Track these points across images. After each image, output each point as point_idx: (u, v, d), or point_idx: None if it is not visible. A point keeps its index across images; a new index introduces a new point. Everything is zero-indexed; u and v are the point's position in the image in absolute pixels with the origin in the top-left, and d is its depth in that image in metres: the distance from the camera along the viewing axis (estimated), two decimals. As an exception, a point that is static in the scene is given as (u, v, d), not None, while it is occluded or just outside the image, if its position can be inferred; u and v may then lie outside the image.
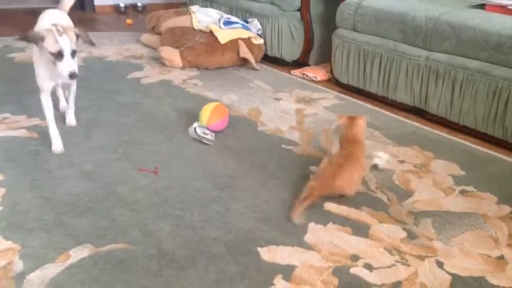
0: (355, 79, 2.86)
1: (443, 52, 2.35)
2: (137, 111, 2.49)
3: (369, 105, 2.70)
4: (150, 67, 3.26)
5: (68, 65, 1.79)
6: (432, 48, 2.39)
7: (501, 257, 1.43)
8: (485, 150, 2.16)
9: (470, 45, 2.21)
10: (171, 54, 3.23)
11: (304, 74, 3.20)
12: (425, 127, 2.40)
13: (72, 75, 1.81)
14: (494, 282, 1.32)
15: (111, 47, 3.72)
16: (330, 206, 1.67)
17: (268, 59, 3.47)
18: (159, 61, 3.32)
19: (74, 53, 1.83)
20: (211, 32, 3.29)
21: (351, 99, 2.80)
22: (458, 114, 2.32)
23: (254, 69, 3.27)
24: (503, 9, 2.32)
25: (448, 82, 2.33)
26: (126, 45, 3.80)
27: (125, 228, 1.52)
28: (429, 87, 2.43)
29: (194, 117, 2.29)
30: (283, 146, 2.15)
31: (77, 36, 1.87)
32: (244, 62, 3.32)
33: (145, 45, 3.80)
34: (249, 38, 3.32)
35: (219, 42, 3.23)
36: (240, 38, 3.28)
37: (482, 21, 2.19)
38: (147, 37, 3.81)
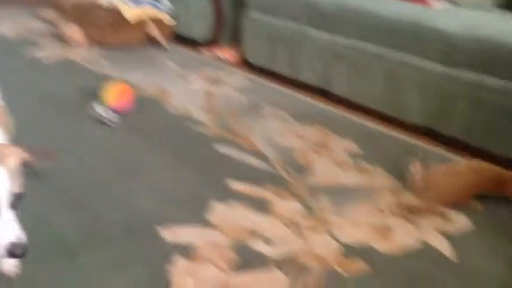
0: (265, 60, 2.91)
1: (344, 35, 2.45)
2: (35, 92, 2.35)
3: (277, 86, 2.77)
4: (51, 45, 3.08)
5: (8, 229, 0.93)
6: (335, 31, 2.50)
7: (386, 226, 1.55)
8: (381, 127, 2.30)
9: (368, 28, 2.33)
10: (74, 31, 3.07)
11: (215, 54, 3.20)
12: (328, 107, 2.52)
13: (15, 249, 0.93)
14: (379, 248, 1.43)
15: (9, 23, 3.46)
16: (233, 184, 1.71)
17: (179, 39, 3.42)
18: (62, 39, 3.14)
19: (17, 201, 0.97)
20: (118, 9, 3.17)
21: (261, 80, 2.85)
22: (358, 94, 2.45)
23: (163, 48, 3.21)
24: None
25: (348, 64, 2.45)
26: (25, 21, 3.56)
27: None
28: (332, 69, 2.54)
29: (97, 98, 2.21)
30: (190, 127, 2.15)
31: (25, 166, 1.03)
32: (153, 41, 3.24)
33: (47, 22, 3.58)
34: (158, 17, 3.25)
35: (126, 20, 3.12)
36: (149, 17, 3.20)
37: (381, 7, 2.32)
38: (48, 13, 3.58)
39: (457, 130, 2.08)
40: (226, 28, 3.38)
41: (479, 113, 1.99)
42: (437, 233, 1.52)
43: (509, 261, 1.41)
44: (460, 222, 1.60)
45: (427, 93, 2.15)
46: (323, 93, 2.65)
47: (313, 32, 2.59)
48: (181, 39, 3.42)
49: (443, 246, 1.45)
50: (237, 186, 1.71)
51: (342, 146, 2.09)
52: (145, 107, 2.30)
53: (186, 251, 1.34)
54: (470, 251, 1.45)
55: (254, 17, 2.90)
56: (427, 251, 1.44)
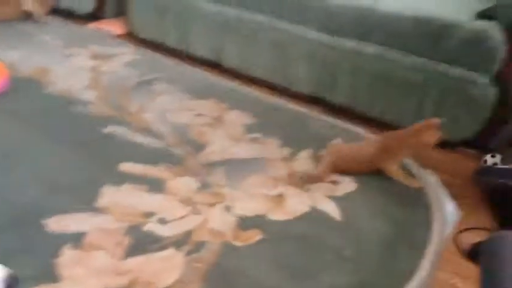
0: (154, 33, 2.82)
1: (232, 6, 2.44)
2: None
3: (168, 60, 2.69)
4: None
5: None
6: (222, 1, 2.47)
7: (280, 195, 1.60)
8: (273, 98, 2.35)
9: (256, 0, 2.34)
10: None
11: (99, 28, 3.02)
12: (222, 80, 2.51)
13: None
14: (273, 217, 1.48)
15: None
16: (125, 166, 1.65)
17: (60, 12, 3.18)
18: None
19: None
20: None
21: (151, 53, 2.75)
22: (250, 65, 2.47)
23: (42, 23, 2.96)
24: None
25: (239, 35, 2.45)
26: None
27: None
28: (223, 41, 2.52)
29: (-35, 80, 2.00)
30: (76, 107, 2.03)
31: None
32: (30, 16, 2.98)
33: None
34: (33, -12, 2.97)
35: (-4, -8, 2.83)
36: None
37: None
38: None
39: (343, 98, 2.19)
40: (111, 0, 3.20)
41: (360, 80, 2.11)
42: (325, 197, 1.60)
43: (394, 221, 1.53)
44: (348, 185, 1.70)
45: (313, 62, 2.23)
46: (216, 66, 2.63)
47: (201, 3, 2.54)
48: (63, 12, 3.18)
49: (331, 209, 1.54)
50: (130, 167, 1.65)
51: (237, 119, 2.11)
52: (23, 88, 2.12)
53: (76, 241, 1.29)
54: (355, 212, 1.56)
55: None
56: (315, 214, 1.52)
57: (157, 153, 1.76)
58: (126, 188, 1.55)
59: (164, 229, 1.38)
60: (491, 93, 1.81)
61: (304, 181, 1.69)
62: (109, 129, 1.87)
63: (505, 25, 1.72)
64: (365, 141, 1.78)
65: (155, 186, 1.57)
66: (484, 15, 1.82)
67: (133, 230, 1.36)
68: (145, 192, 1.54)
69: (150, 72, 2.46)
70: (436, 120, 1.52)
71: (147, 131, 1.91)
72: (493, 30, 1.74)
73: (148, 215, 1.43)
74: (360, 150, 1.69)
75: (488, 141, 1.92)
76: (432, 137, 1.52)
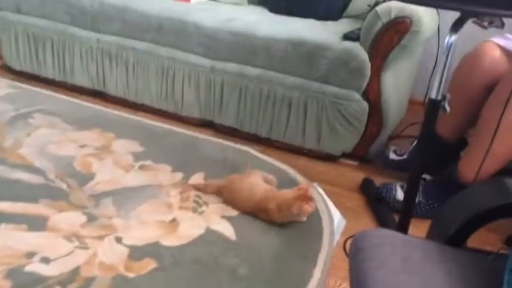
0: (29, 65, 2.66)
1: (112, 34, 2.40)
2: None
3: (46, 92, 2.55)
4: None
5: None
6: (102, 30, 2.41)
7: (173, 220, 1.58)
8: (162, 124, 2.33)
9: (135, 27, 2.32)
10: None
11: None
12: (106, 109, 2.43)
13: None
14: (167, 243, 1.46)
15: None
16: (2, 206, 1.53)
17: None
18: None
19: None
20: None
21: (27, 86, 2.59)
22: (135, 93, 2.43)
23: None
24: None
25: (121, 63, 2.40)
26: None
27: None
28: (105, 69, 2.46)
29: None
30: None
31: None
32: None
33: None
34: None
35: None
36: None
37: (142, 3, 2.32)
38: None
39: (231, 120, 2.24)
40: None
41: (245, 102, 2.18)
42: (219, 218, 1.61)
43: (285, 234, 1.57)
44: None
45: (199, 86, 2.26)
46: (98, 95, 2.55)
47: (79, 32, 2.46)
48: None
49: (225, 228, 1.55)
50: (7, 207, 1.53)
51: (124, 147, 2.05)
52: None
53: None
54: (248, 229, 1.58)
55: (7, 17, 2.62)
56: (210, 236, 1.52)
57: (38, 189, 1.66)
58: (3, 228, 1.42)
59: (48, 268, 1.29)
60: (363, 107, 1.97)
61: (189, 188, 1.74)
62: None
63: (367, 47, 1.91)
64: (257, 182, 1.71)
65: (36, 224, 1.47)
66: (348, 37, 1.99)
67: (14, 273, 1.25)
68: (26, 232, 1.43)
69: (26, 106, 2.32)
70: (309, 189, 1.59)
71: (26, 167, 1.79)
72: (358, 49, 1.91)
73: (30, 255, 1.33)
74: (249, 190, 1.65)
75: (365, 152, 2.08)
76: (310, 207, 1.57)
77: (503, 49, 1.67)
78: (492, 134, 1.23)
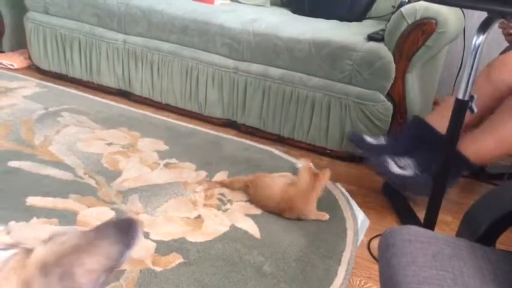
0: (57, 65, 2.72)
1: (137, 35, 2.44)
2: None
3: (73, 91, 2.61)
4: None
5: None
6: (127, 31, 2.46)
7: (198, 217, 1.61)
8: (186, 124, 2.37)
9: (160, 28, 2.36)
10: None
11: (-2, 61, 2.87)
12: (131, 108, 2.48)
13: None
14: (192, 239, 1.48)
15: None
16: (33, 200, 1.57)
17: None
18: None
19: None
20: None
21: (54, 85, 2.65)
22: (160, 93, 2.47)
23: None
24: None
25: (146, 64, 2.44)
26: None
27: None
28: (130, 70, 2.50)
29: None
30: (-28, 143, 1.89)
31: None
32: None
33: None
34: None
35: None
36: None
37: (167, 5, 2.36)
38: None
39: (254, 120, 2.26)
40: (9, 33, 3.04)
41: (268, 102, 2.19)
42: (244, 216, 1.64)
43: (308, 233, 1.59)
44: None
45: (222, 87, 2.28)
46: (124, 95, 2.60)
47: (105, 33, 2.51)
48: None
49: (249, 226, 1.57)
50: (37, 201, 1.57)
51: (150, 145, 2.09)
52: None
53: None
54: (272, 227, 1.60)
55: (36, 19, 2.68)
56: (235, 233, 1.54)
57: (67, 185, 1.70)
58: (35, 222, 1.47)
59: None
60: (388, 108, 1.97)
61: (214, 185, 1.79)
62: (14, 164, 1.77)
63: (392, 47, 1.90)
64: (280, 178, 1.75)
65: (66, 218, 1.51)
66: (372, 38, 2.00)
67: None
68: (56, 226, 1.47)
69: (55, 105, 2.38)
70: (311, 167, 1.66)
71: (56, 163, 1.84)
72: (383, 50, 1.91)
73: (61, 248, 1.37)
74: (271, 187, 1.67)
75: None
76: (326, 175, 1.65)
77: None
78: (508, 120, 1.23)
